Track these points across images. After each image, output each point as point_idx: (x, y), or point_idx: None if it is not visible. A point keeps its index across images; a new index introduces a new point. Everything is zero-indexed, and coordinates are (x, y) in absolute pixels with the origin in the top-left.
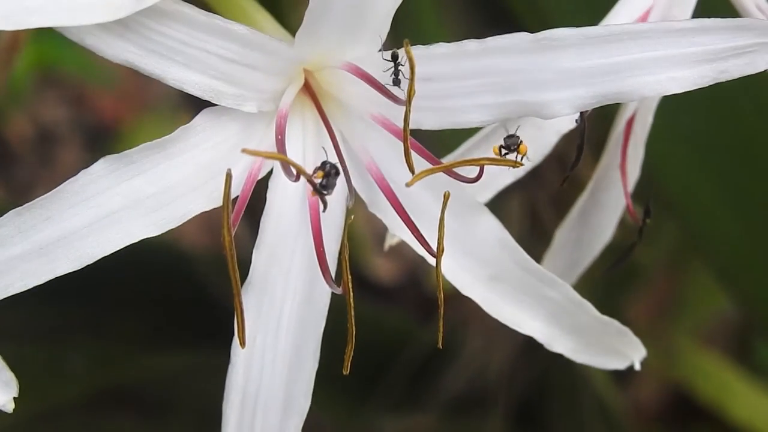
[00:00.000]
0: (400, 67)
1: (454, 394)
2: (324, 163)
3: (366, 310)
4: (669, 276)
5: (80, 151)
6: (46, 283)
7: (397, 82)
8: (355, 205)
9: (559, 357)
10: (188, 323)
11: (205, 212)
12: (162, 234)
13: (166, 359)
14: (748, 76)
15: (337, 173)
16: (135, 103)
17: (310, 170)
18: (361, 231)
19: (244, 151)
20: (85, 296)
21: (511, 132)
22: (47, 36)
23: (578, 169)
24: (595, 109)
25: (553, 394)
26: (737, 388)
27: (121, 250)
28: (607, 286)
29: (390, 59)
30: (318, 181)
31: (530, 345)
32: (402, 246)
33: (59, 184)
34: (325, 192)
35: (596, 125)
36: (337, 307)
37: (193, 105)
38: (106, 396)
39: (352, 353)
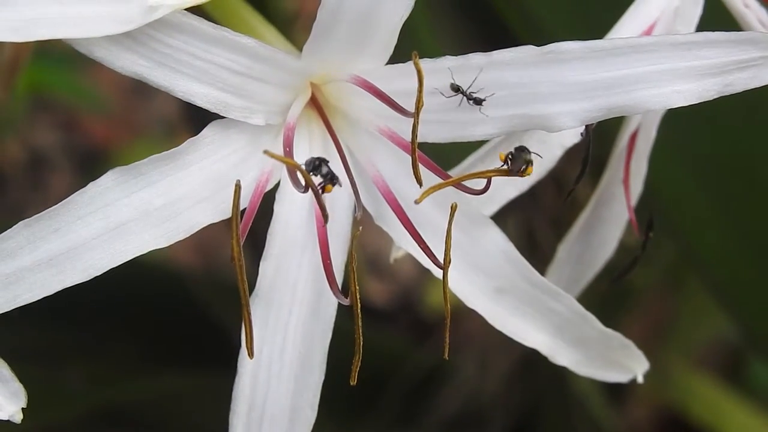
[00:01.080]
0: (470, 92)
1: (449, 415)
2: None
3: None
4: (663, 297)
5: (71, 176)
6: (44, 302)
7: (478, 101)
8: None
9: (554, 378)
10: (183, 344)
11: (198, 234)
12: (156, 254)
13: (162, 379)
14: (745, 91)
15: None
16: (126, 127)
17: (317, 183)
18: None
19: (266, 153)
20: (82, 316)
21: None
22: (39, 61)
23: (575, 188)
24: (594, 128)
25: (547, 415)
26: (730, 410)
27: (116, 271)
28: (602, 306)
29: (454, 92)
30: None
31: (525, 366)
32: (396, 269)
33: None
34: (330, 183)
35: (596, 145)
36: (335, 328)
37: (186, 128)
38: (101, 415)
39: (359, 364)
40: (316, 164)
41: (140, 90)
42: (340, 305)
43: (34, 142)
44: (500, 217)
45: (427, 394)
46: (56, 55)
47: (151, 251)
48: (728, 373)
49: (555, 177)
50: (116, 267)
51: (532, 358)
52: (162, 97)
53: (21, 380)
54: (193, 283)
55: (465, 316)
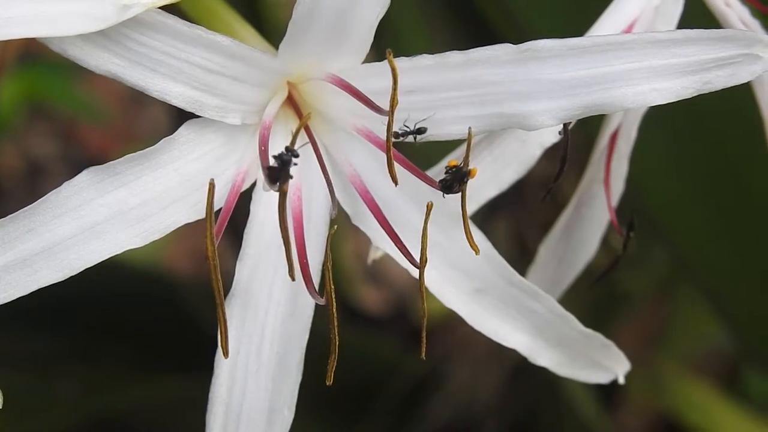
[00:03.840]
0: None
1: (442, 422)
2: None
3: (354, 340)
4: (657, 303)
5: None
6: (37, 310)
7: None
8: (345, 237)
9: (547, 386)
10: (177, 352)
11: (193, 242)
12: (152, 263)
13: (156, 387)
14: (733, 95)
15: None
16: (123, 136)
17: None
18: (350, 263)
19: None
20: (76, 324)
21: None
22: (36, 70)
23: (562, 190)
24: (577, 130)
25: (539, 422)
26: (725, 417)
27: (112, 279)
28: (595, 312)
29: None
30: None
31: (518, 374)
32: (390, 278)
33: None
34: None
35: (578, 145)
36: (323, 334)
37: None
38: (95, 424)
39: (335, 363)
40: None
41: (137, 99)
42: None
43: (32, 151)
44: (490, 221)
45: (420, 401)
46: (53, 65)
47: (146, 259)
48: (723, 381)
49: (544, 181)
50: (110, 273)
51: (525, 366)
52: (159, 106)
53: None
54: (186, 291)
55: (458, 323)
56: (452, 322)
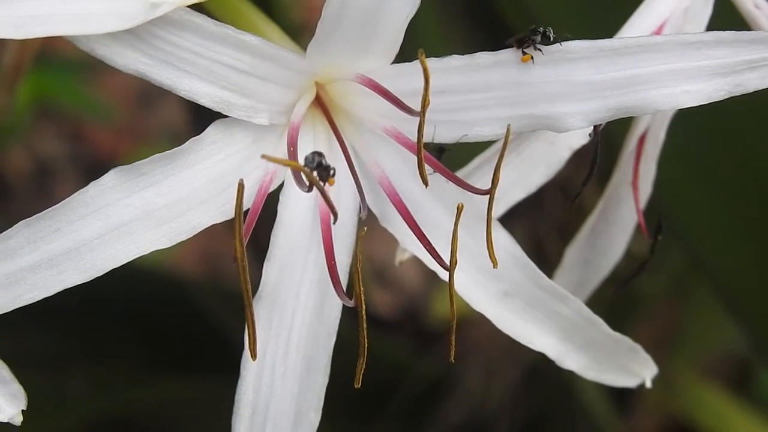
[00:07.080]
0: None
1: (454, 424)
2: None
3: (368, 343)
4: (671, 306)
5: (77, 185)
6: (48, 309)
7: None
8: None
9: (560, 387)
10: (186, 351)
11: (203, 242)
12: (160, 262)
13: (166, 388)
14: (755, 97)
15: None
16: (132, 137)
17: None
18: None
19: (264, 157)
20: (87, 324)
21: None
22: (45, 69)
23: (582, 195)
24: (601, 135)
25: (553, 424)
26: (737, 420)
27: (122, 279)
28: (609, 314)
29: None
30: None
31: (530, 375)
32: (402, 279)
33: None
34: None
35: (601, 151)
36: (339, 337)
37: (191, 136)
38: (105, 424)
39: (363, 366)
40: (317, 160)
41: (145, 99)
42: (344, 311)
43: (40, 151)
44: (507, 225)
45: (433, 403)
46: (62, 64)
47: (155, 259)
48: (735, 383)
49: (562, 184)
50: (120, 274)
51: (538, 367)
52: (167, 106)
53: (23, 387)
54: (196, 291)
55: (471, 325)
56: (466, 322)
